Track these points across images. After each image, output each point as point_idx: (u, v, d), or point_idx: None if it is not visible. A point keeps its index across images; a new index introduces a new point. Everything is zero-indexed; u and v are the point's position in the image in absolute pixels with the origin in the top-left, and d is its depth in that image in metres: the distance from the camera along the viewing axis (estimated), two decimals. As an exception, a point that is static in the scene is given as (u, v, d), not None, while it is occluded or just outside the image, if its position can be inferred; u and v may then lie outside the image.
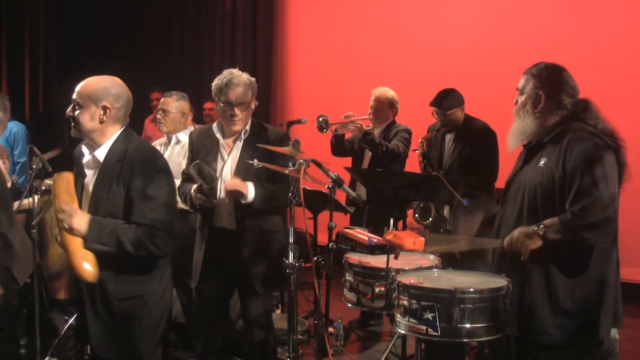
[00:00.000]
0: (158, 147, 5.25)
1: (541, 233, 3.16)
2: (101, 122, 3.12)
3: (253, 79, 4.11)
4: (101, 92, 3.12)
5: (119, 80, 3.23)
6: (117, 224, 3.03)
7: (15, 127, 7.05)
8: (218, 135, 4.12)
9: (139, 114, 8.19)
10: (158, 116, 5.21)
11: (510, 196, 3.46)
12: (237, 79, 4.00)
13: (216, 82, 4.04)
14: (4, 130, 4.64)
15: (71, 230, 3.01)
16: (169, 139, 5.20)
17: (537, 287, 3.25)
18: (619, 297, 3.35)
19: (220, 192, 4.01)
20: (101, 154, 3.15)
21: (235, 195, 3.92)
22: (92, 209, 3.11)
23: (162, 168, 3.17)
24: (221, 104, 4.03)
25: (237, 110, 3.99)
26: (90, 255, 3.02)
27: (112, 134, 3.16)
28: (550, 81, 3.32)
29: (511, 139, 3.45)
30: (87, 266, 3.00)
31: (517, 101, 3.43)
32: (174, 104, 5.18)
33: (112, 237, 3.00)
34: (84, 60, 8.67)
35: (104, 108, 3.11)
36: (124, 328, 3.17)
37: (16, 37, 10.38)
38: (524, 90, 3.39)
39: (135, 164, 3.08)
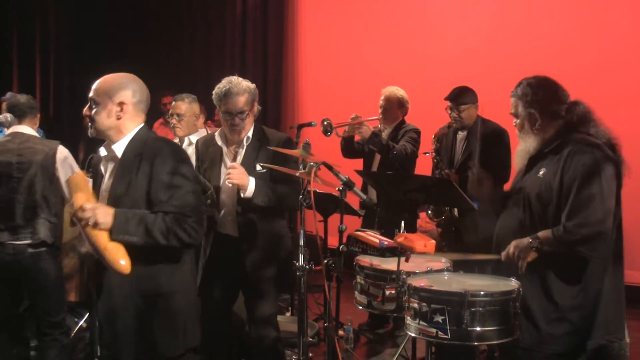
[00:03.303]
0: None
1: (535, 246, 3.20)
2: (118, 118, 3.05)
3: (253, 85, 4.06)
4: (117, 88, 3.05)
5: (135, 76, 3.16)
6: (144, 213, 2.93)
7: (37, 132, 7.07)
8: (220, 143, 4.11)
9: (149, 117, 8.21)
10: (173, 121, 5.20)
11: (511, 204, 3.50)
12: (236, 88, 3.95)
13: (216, 91, 4.02)
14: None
15: (97, 225, 2.87)
16: (181, 141, 5.22)
17: (532, 294, 3.28)
18: (622, 309, 3.36)
19: (223, 192, 4.02)
20: (119, 148, 3.07)
21: (235, 176, 3.88)
22: (111, 205, 2.98)
23: (184, 158, 3.08)
24: (221, 114, 4.02)
25: (237, 120, 3.97)
26: (121, 247, 2.89)
27: (130, 131, 3.08)
28: (538, 97, 3.36)
29: (517, 159, 3.53)
30: (122, 260, 2.88)
31: (515, 123, 3.47)
32: (187, 107, 5.20)
33: (140, 226, 2.89)
34: (94, 63, 8.69)
35: (120, 104, 3.04)
36: (143, 328, 3.04)
37: (27, 40, 10.43)
38: (517, 113, 3.43)
39: (156, 155, 2.99)
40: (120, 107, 3.05)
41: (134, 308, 3.04)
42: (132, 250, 2.92)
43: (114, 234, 2.89)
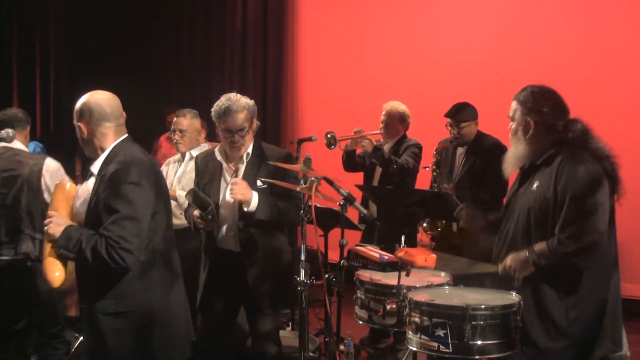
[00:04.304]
0: (172, 164, 5.30)
1: (532, 260, 3.21)
2: (84, 140, 3.20)
3: (252, 101, 4.08)
4: (76, 113, 3.19)
5: (97, 93, 3.23)
6: (88, 233, 3.03)
7: (36, 147, 7.08)
8: (220, 159, 4.13)
9: (154, 131, 8.24)
10: (175, 137, 5.21)
11: (506, 218, 3.50)
12: (235, 105, 3.96)
13: (215, 108, 4.03)
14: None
15: (48, 237, 3.07)
16: (183, 156, 5.24)
17: (529, 310, 3.28)
18: (620, 320, 3.37)
19: (222, 209, 4.03)
20: (95, 168, 3.18)
21: (238, 192, 3.89)
22: (82, 220, 3.15)
23: (134, 181, 3.04)
24: (221, 131, 4.04)
25: (237, 137, 3.98)
26: (59, 261, 3.08)
27: (105, 148, 3.19)
28: (538, 107, 3.36)
29: (507, 164, 3.53)
30: (57, 272, 3.07)
31: (510, 127, 3.48)
32: (189, 122, 5.21)
33: (77, 244, 3.00)
34: (93, 77, 8.69)
35: (78, 127, 3.19)
36: (110, 347, 3.10)
37: (27, 43, 10.43)
38: (514, 117, 3.44)
39: (108, 175, 3.05)
40: (84, 129, 3.18)
41: (98, 327, 3.11)
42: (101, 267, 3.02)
43: (56, 247, 3.07)
